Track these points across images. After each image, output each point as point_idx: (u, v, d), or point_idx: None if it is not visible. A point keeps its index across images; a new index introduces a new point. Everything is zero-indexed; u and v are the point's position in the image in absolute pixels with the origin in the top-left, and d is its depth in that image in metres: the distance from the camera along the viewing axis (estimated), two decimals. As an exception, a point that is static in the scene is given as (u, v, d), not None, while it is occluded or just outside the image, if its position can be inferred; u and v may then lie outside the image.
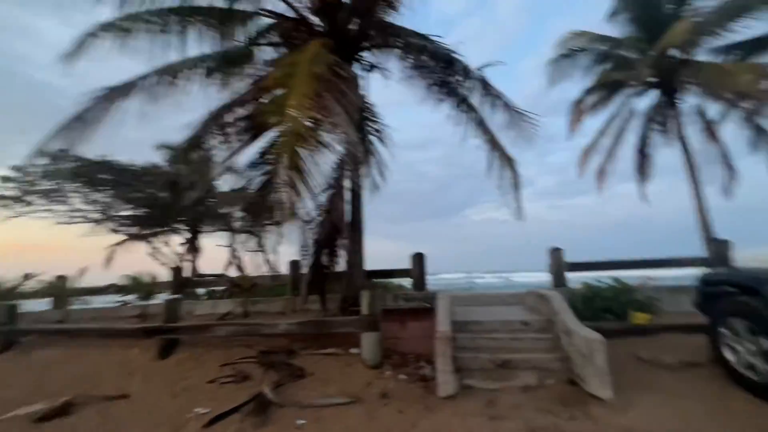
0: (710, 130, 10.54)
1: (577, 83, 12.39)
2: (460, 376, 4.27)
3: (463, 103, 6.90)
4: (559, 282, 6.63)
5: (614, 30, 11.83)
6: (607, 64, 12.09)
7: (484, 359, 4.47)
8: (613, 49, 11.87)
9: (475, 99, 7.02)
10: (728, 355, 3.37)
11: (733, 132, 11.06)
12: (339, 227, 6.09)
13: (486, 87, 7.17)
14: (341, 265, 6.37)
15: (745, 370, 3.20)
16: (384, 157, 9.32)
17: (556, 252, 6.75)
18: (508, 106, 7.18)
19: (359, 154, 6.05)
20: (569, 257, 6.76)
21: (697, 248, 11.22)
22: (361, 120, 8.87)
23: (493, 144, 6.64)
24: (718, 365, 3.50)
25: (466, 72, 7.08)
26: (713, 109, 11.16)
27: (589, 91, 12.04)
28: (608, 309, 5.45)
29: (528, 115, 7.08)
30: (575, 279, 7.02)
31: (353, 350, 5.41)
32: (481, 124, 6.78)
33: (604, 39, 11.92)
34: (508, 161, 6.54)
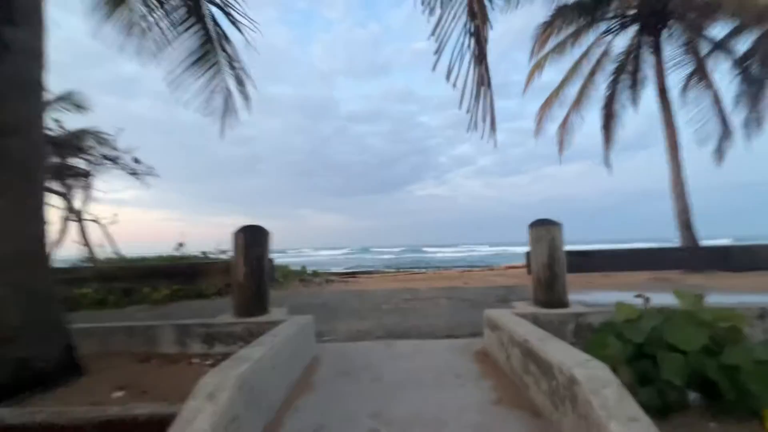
0: (703, 71, 7.96)
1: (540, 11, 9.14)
2: None
3: None
4: (551, 296, 3.10)
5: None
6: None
7: None
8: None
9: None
10: None
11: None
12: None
13: None
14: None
15: None
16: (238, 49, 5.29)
17: (547, 228, 3.19)
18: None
19: None
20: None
21: (664, 231, 9.03)
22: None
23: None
24: None
25: None
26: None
27: (558, 14, 8.84)
28: (697, 381, 2.01)
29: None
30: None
31: None
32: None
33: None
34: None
